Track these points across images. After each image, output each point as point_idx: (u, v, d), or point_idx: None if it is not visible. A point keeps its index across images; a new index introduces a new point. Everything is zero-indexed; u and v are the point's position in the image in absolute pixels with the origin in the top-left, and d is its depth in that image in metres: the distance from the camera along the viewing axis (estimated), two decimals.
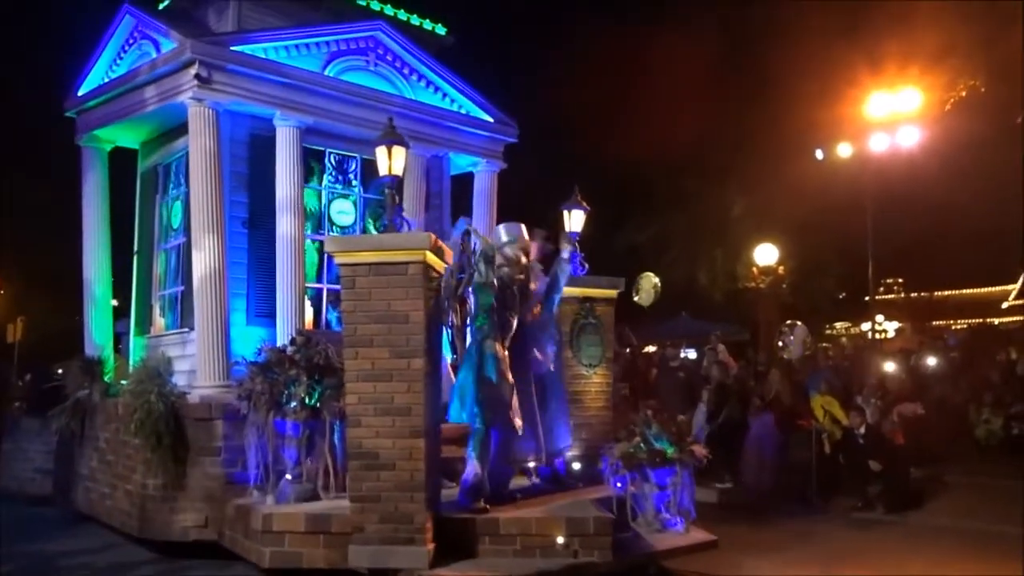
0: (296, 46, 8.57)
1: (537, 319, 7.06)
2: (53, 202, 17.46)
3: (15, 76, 21.44)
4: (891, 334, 28.16)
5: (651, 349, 18.18)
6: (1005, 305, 33.84)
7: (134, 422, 7.28)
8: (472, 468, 6.46)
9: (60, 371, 11.43)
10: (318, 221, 9.19)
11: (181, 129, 8.88)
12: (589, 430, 8.21)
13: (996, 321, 30.04)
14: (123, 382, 9.35)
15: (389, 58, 9.29)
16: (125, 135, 9.74)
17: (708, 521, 7.17)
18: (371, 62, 9.18)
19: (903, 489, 9.08)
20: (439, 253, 6.06)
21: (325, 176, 9.29)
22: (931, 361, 14.67)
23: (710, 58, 21.59)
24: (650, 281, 14.82)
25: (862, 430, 9.33)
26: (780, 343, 12.86)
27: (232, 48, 8.12)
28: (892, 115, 17.90)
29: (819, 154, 19.84)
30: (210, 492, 7.23)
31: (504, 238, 6.74)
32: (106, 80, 9.36)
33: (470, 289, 6.78)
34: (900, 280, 33.21)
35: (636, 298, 14.42)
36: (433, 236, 5.91)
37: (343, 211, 9.36)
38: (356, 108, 8.89)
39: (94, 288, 9.62)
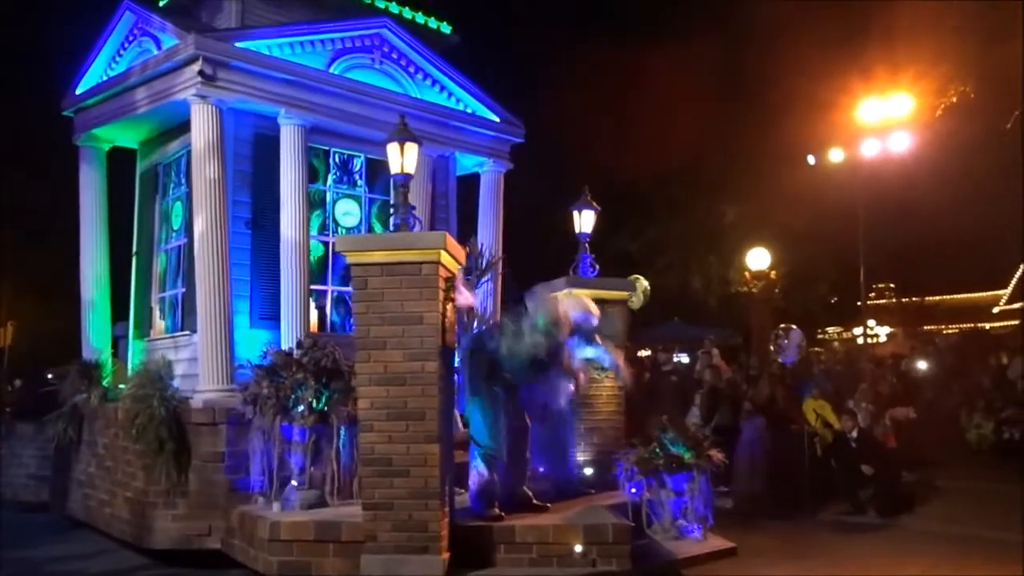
0: (301, 43, 8.39)
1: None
2: (45, 203, 17.23)
3: (11, 74, 21.12)
4: (883, 339, 28.20)
5: (644, 353, 18.14)
6: (996, 310, 33.96)
7: (135, 427, 7.09)
8: (481, 473, 6.29)
9: (50, 376, 11.23)
10: (323, 222, 9.01)
11: (181, 128, 8.70)
12: (600, 435, 8.05)
13: (987, 326, 30.09)
14: (121, 386, 9.16)
15: (395, 56, 9.12)
16: (124, 134, 9.53)
17: None
18: (376, 60, 9.01)
19: (895, 493, 9.10)
20: (453, 253, 5.90)
21: (330, 176, 9.11)
22: (922, 365, 14.63)
23: (703, 64, 21.67)
24: (640, 284, 14.78)
25: (854, 434, 9.34)
26: (775, 347, 12.84)
27: (236, 44, 7.94)
28: (884, 121, 18.07)
29: (811, 160, 20.00)
30: (213, 499, 7.03)
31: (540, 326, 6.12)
32: (105, 78, 9.16)
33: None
34: (892, 285, 33.35)
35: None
36: (447, 235, 5.75)
37: (348, 212, 9.17)
38: (361, 107, 8.72)
39: (91, 290, 9.39)
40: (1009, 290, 34.49)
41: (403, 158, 6.09)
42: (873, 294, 29.61)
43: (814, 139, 20.06)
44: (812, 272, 23.53)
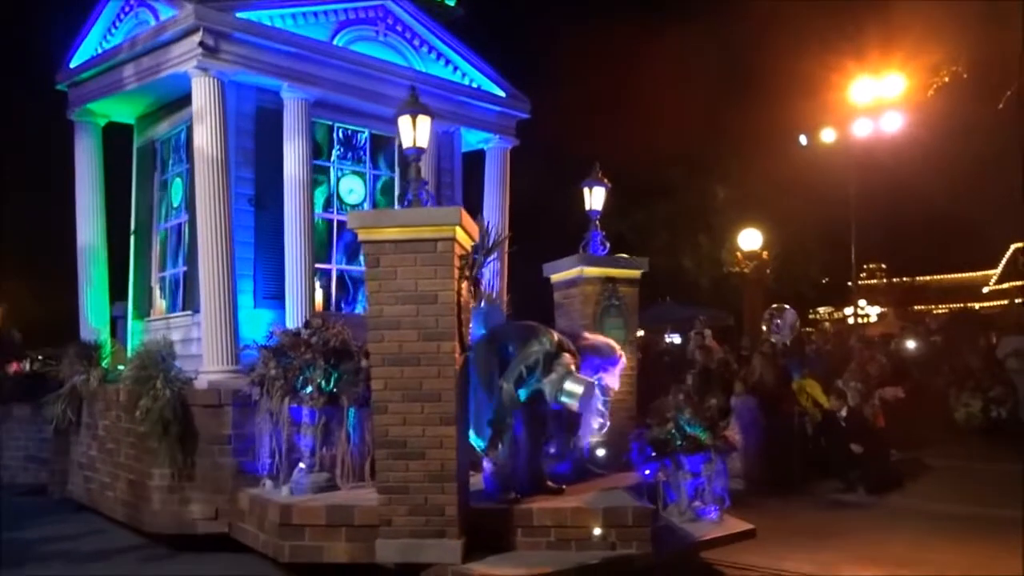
0: (304, 14, 8.14)
1: None
2: (36, 180, 16.90)
3: (2, 45, 20.59)
4: (873, 319, 28.32)
5: (639, 333, 18.09)
6: (986, 290, 34.11)
7: (139, 409, 6.90)
8: (497, 454, 6.14)
9: (41, 357, 11.06)
10: (327, 199, 8.79)
11: (180, 102, 8.48)
12: (612, 415, 7.88)
13: (977, 306, 30.22)
14: (120, 367, 8.98)
15: (399, 28, 8.88)
16: (120, 109, 9.28)
17: None
18: (380, 32, 8.77)
19: (884, 472, 9.16)
20: (468, 229, 5.72)
21: (334, 152, 8.88)
22: (911, 345, 14.63)
23: (695, 45, 21.51)
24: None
25: (843, 413, 9.37)
26: (768, 327, 12.85)
27: (237, 15, 7.68)
28: (876, 101, 18.16)
29: (803, 140, 20.01)
30: (220, 483, 6.88)
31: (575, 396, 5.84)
32: (100, 51, 8.88)
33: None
34: (883, 265, 33.44)
35: None
36: (463, 210, 5.56)
37: (352, 188, 8.96)
38: (365, 80, 8.49)
39: (89, 269, 9.18)
40: (999, 270, 34.64)
41: (415, 131, 5.86)
42: (864, 274, 29.78)
43: (806, 119, 20.19)
44: (803, 253, 23.59)
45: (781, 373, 10.65)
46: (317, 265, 8.32)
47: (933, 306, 31.28)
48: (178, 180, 8.82)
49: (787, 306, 13.22)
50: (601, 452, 7.60)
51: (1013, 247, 33.84)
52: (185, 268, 8.51)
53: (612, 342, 6.84)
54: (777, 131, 21.05)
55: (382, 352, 5.48)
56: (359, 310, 8.91)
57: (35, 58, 13.24)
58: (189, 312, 8.17)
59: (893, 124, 18.00)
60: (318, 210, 8.51)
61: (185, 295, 8.47)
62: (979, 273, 35.30)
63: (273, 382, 6.45)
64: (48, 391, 8.88)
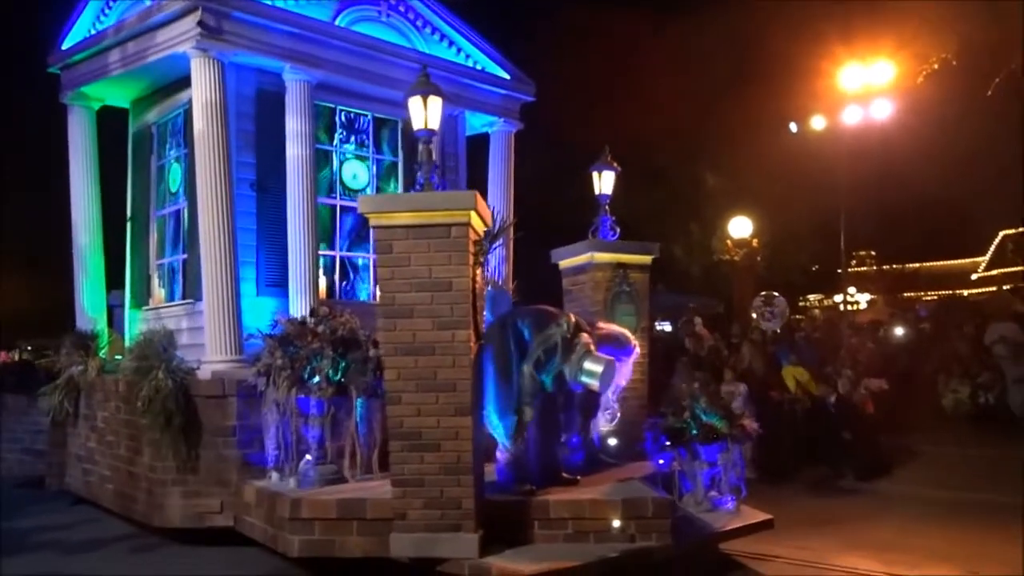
0: None
1: None
2: (29, 168, 16.58)
3: None
4: (863, 306, 28.40)
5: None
6: (975, 276, 34.23)
7: (140, 400, 6.70)
8: (508, 445, 6.00)
9: (29, 347, 10.86)
10: (329, 184, 8.58)
11: (177, 85, 8.25)
12: (623, 404, 7.73)
13: (966, 292, 30.35)
14: (118, 358, 8.79)
15: (402, 9, 8.67)
16: (114, 92, 9.02)
17: None
18: (383, 13, 8.55)
19: (873, 458, 9.21)
20: (482, 214, 5.54)
21: (336, 135, 8.66)
22: (900, 332, 14.63)
23: (684, 32, 21.33)
24: None
25: (832, 400, 9.40)
26: (758, 314, 12.85)
27: None
28: (865, 88, 18.23)
29: (793, 127, 20.07)
30: (225, 475, 6.71)
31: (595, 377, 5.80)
32: (93, 32, 8.62)
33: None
34: (872, 253, 33.54)
35: None
36: (477, 195, 5.38)
37: (356, 173, 8.75)
38: (368, 62, 8.27)
39: (85, 257, 8.96)
40: (987, 257, 34.74)
41: (426, 112, 5.68)
42: (854, 262, 29.88)
43: (796, 106, 20.18)
44: (793, 240, 23.57)
45: (770, 360, 10.70)
46: (320, 252, 8.11)
47: (923, 293, 31.36)
48: (176, 165, 8.60)
49: (776, 294, 13.24)
50: (613, 442, 7.47)
51: (1001, 234, 34.01)
52: (185, 256, 8.30)
53: (627, 331, 6.71)
54: (767, 118, 21.00)
55: (395, 341, 5.31)
56: (363, 297, 8.73)
57: (27, 40, 12.89)
58: (190, 301, 7.97)
59: (883, 111, 18.01)
60: (320, 195, 8.29)
61: (186, 283, 8.27)
62: (968, 260, 35.41)
63: (280, 372, 6.27)
64: (39, 382, 8.71)
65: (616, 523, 5.48)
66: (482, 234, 5.73)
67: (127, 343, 8.68)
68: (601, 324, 6.64)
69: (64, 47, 8.91)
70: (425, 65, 6.01)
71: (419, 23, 8.81)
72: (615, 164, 8.12)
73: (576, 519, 5.55)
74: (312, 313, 6.63)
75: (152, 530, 7.04)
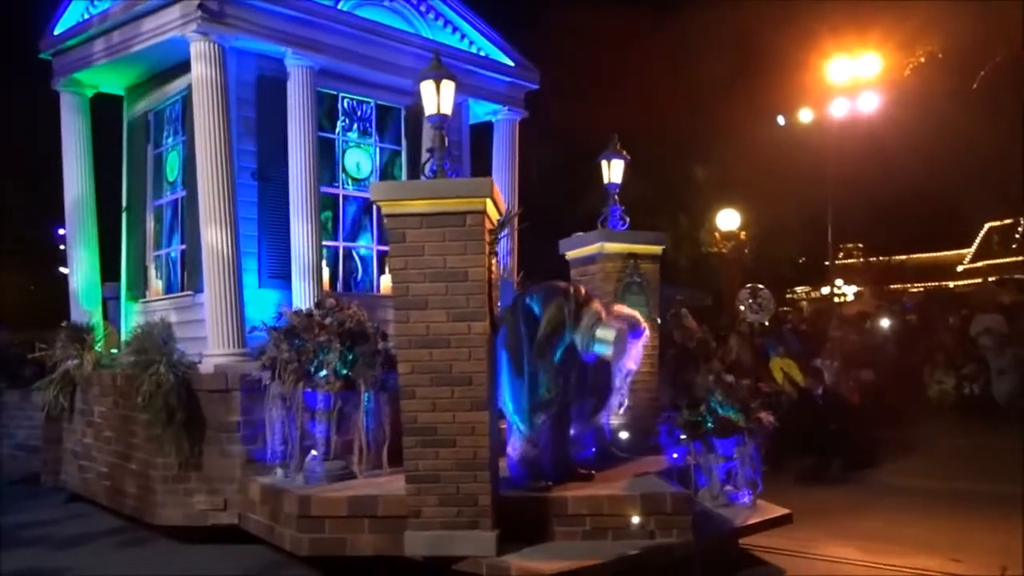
0: None
1: None
2: (21, 156, 16.23)
3: None
4: (850, 298, 28.52)
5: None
6: (960, 268, 34.41)
7: (141, 395, 6.50)
8: (521, 440, 5.87)
9: (17, 341, 10.64)
10: (331, 172, 8.37)
11: (175, 71, 8.01)
12: (633, 396, 7.59)
13: (951, 284, 30.50)
14: (113, 351, 8.58)
15: None
16: (109, 79, 8.76)
17: None
18: None
19: (859, 448, 9.24)
20: (498, 202, 5.38)
21: (338, 123, 8.44)
22: (886, 324, 14.70)
23: (672, 24, 21.21)
24: None
25: (819, 391, 9.42)
26: (745, 306, 12.84)
27: None
28: (853, 80, 18.44)
29: (781, 120, 20.08)
30: (228, 472, 6.52)
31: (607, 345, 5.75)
32: (87, 16, 8.35)
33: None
34: (860, 245, 33.68)
35: None
36: (493, 181, 5.22)
37: (359, 162, 8.54)
38: (372, 47, 8.06)
39: (79, 248, 8.71)
40: (973, 249, 34.93)
41: (439, 97, 5.51)
42: (841, 254, 30.00)
43: (784, 99, 20.20)
44: (782, 232, 23.59)
45: (758, 352, 10.77)
46: (323, 243, 7.91)
47: (909, 285, 31.47)
48: (174, 154, 8.37)
49: (761, 286, 13.27)
50: (624, 435, 7.36)
51: (987, 226, 34.17)
52: (183, 246, 8.08)
53: (636, 313, 6.54)
54: (755, 111, 20.98)
55: (409, 334, 5.14)
56: (367, 289, 8.55)
57: (19, 24, 12.55)
58: (190, 292, 7.76)
59: (870, 104, 18.22)
60: (322, 184, 8.08)
61: (185, 275, 8.05)
62: (954, 252, 35.56)
63: (286, 365, 6.10)
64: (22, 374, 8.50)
65: (636, 519, 5.35)
66: (495, 223, 5.56)
67: (123, 336, 8.48)
68: (614, 307, 6.51)
69: (56, 32, 8.64)
70: (436, 50, 5.84)
71: (422, 8, 8.60)
72: (624, 152, 7.96)
73: (594, 515, 5.41)
74: (318, 305, 6.45)
75: (152, 528, 6.87)
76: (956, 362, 12.96)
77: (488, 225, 5.25)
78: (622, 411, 6.63)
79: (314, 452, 6.21)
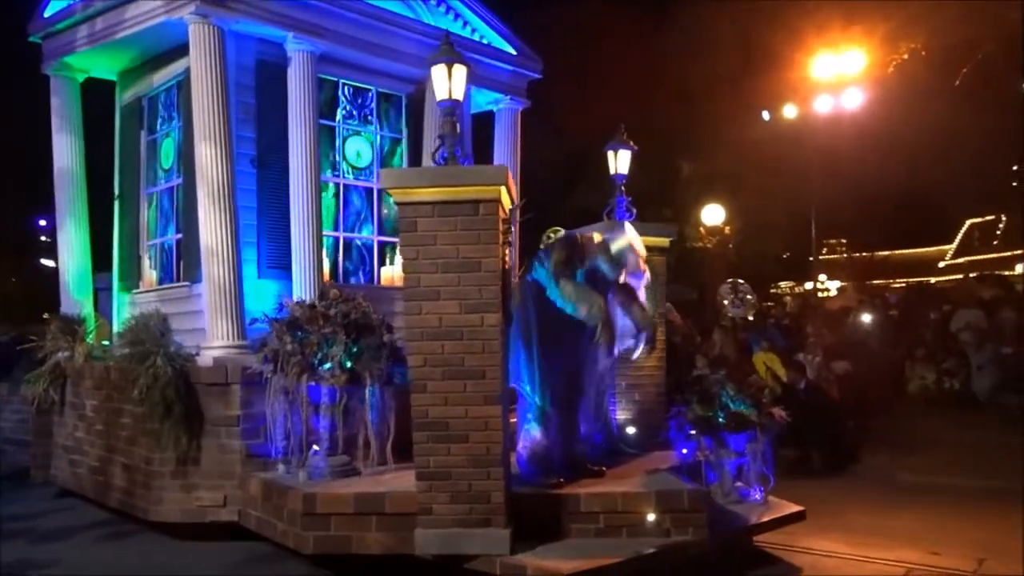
0: None
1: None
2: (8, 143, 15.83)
3: None
4: (833, 293, 28.70)
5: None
6: (942, 264, 34.72)
7: (137, 388, 6.31)
8: (535, 436, 5.74)
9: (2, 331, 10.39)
10: (332, 161, 8.17)
11: (170, 55, 7.79)
12: (641, 391, 7.54)
13: (933, 280, 30.76)
14: (105, 343, 8.38)
15: None
16: (101, 63, 8.51)
17: None
18: None
19: (841, 443, 9.31)
20: (511, 190, 5.22)
21: (339, 110, 8.24)
22: (868, 319, 14.82)
23: (657, 18, 21.14)
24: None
25: (802, 386, 9.45)
26: (728, 301, 12.84)
27: None
28: (837, 77, 18.58)
29: (766, 116, 20.19)
30: (228, 467, 6.35)
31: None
32: None
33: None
34: (843, 241, 33.94)
35: None
36: (507, 169, 5.06)
37: (359, 150, 8.35)
38: (373, 33, 7.85)
39: (71, 237, 8.48)
40: (954, 245, 35.20)
41: (450, 82, 5.32)
42: (825, 249, 30.21)
43: (769, 95, 20.19)
44: (766, 227, 23.67)
45: (742, 347, 10.68)
46: (324, 233, 7.72)
47: (892, 280, 31.68)
48: (169, 140, 8.14)
49: (741, 281, 13.30)
50: (632, 430, 7.25)
51: (968, 223, 34.49)
52: (180, 236, 7.86)
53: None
54: (740, 107, 21.01)
55: (420, 326, 4.98)
56: (368, 280, 8.37)
57: (6, 5, 12.20)
58: (186, 283, 7.55)
59: (853, 100, 18.36)
60: (323, 173, 7.89)
61: (181, 265, 7.84)
62: (935, 248, 35.88)
63: (289, 358, 5.93)
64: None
65: (651, 517, 5.23)
66: (507, 212, 5.40)
67: (116, 328, 8.25)
68: None
69: (46, 15, 8.38)
70: (445, 34, 5.63)
71: None
72: (631, 143, 7.82)
73: (608, 513, 5.29)
74: (322, 296, 6.28)
75: (140, 522, 6.71)
76: (937, 357, 13.12)
77: (502, 214, 5.10)
78: (640, 351, 6.38)
79: (317, 447, 6.05)
